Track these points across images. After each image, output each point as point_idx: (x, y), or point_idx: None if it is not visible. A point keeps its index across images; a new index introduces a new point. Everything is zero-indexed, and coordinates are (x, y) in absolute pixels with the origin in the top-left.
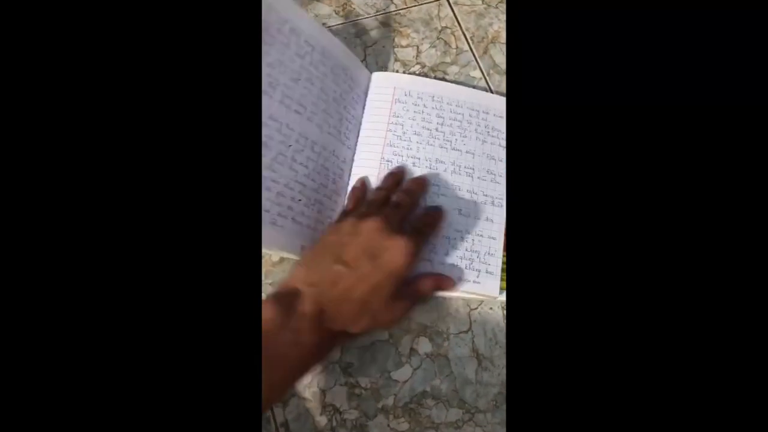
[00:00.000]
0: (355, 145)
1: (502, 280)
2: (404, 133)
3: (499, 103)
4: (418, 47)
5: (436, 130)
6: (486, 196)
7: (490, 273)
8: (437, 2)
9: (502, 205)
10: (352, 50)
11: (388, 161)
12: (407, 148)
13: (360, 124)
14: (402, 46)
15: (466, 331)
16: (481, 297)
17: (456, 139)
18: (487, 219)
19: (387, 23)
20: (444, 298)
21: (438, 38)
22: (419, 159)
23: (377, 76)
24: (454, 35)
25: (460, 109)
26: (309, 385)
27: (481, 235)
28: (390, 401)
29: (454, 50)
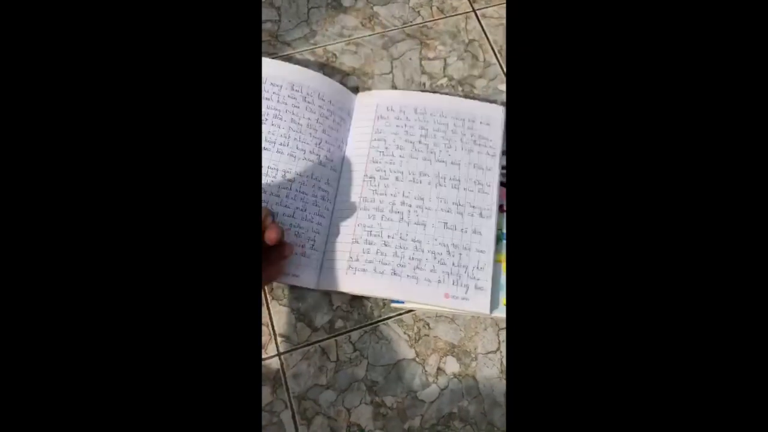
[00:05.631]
0: (341, 165)
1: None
2: (387, 148)
3: (485, 110)
4: (445, 60)
5: (419, 142)
6: (473, 207)
7: (480, 288)
8: (465, 15)
9: (491, 217)
10: (378, 62)
11: (370, 177)
12: (390, 163)
13: (345, 145)
14: (429, 59)
15: (495, 351)
16: (471, 314)
17: (440, 151)
18: (474, 231)
19: (414, 35)
20: (471, 317)
21: (466, 51)
22: (402, 173)
23: (361, 96)
24: (482, 48)
25: (444, 119)
26: (334, 403)
27: (469, 249)
28: (416, 422)
29: (482, 63)
